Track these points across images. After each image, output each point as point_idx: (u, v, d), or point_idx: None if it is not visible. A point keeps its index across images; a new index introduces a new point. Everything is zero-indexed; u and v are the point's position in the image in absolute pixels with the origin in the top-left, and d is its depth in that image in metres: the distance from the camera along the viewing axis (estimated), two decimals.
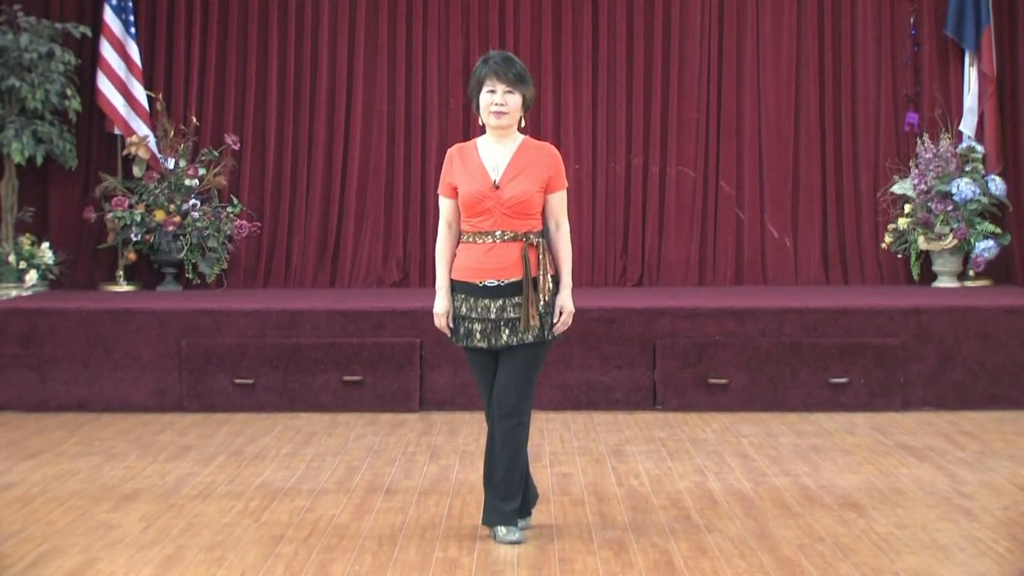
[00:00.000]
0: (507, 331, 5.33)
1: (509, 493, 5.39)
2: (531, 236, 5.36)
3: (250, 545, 5.36)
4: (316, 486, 6.41)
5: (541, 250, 5.37)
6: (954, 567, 5.00)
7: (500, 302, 5.33)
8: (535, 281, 5.33)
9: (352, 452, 7.24)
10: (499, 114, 5.36)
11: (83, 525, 5.70)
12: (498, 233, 5.34)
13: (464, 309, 5.39)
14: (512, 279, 5.33)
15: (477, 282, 5.36)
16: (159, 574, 4.98)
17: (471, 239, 5.39)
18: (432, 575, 4.95)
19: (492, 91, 5.37)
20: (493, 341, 5.35)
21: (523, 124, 5.48)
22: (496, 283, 5.34)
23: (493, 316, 5.33)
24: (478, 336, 5.36)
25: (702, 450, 7.23)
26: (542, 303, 5.34)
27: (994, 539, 5.39)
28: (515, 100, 5.38)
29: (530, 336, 5.33)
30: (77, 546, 5.36)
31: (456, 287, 5.42)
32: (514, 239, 5.34)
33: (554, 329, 5.40)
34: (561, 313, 5.39)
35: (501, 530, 5.37)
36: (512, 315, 5.33)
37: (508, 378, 5.36)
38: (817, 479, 6.49)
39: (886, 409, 8.31)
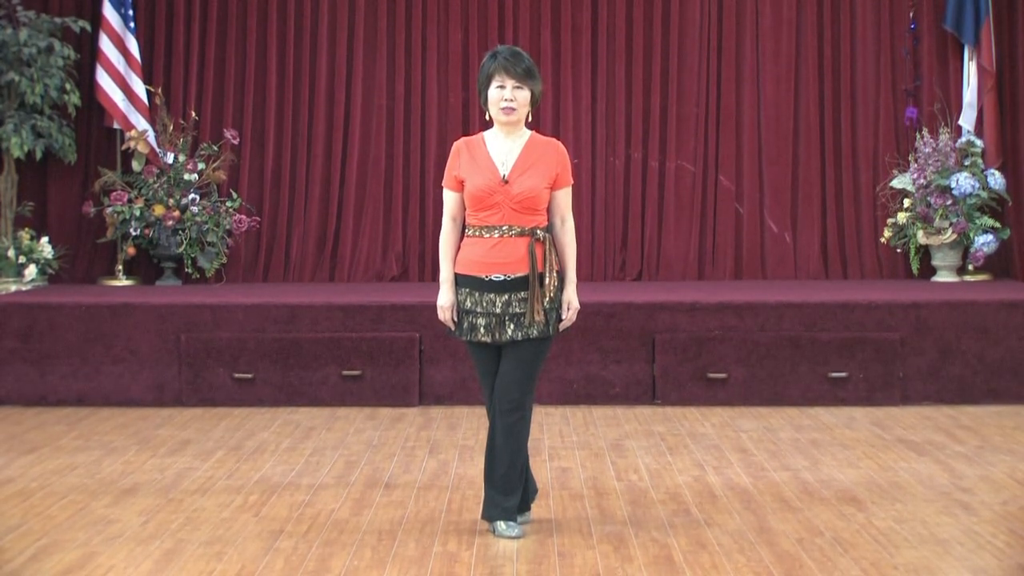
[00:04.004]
0: (512, 326, 5.33)
1: (510, 488, 5.39)
2: (538, 231, 5.36)
3: (249, 539, 5.37)
4: (315, 480, 6.42)
5: (547, 245, 5.37)
6: (953, 561, 5.01)
7: (506, 296, 5.33)
8: (541, 277, 5.33)
9: (351, 446, 7.24)
10: (508, 110, 5.35)
11: (82, 519, 5.70)
12: (505, 228, 5.34)
13: (469, 303, 5.38)
14: (519, 274, 5.33)
15: (483, 276, 5.35)
16: (158, 568, 4.99)
17: (477, 233, 5.38)
18: (431, 569, 4.96)
19: (501, 86, 5.35)
20: (497, 336, 5.35)
21: (530, 119, 5.47)
22: (503, 277, 5.34)
23: (498, 311, 5.33)
24: (482, 331, 5.36)
25: (701, 444, 7.23)
26: (547, 299, 5.34)
27: (993, 533, 5.39)
28: (524, 95, 5.37)
29: (535, 331, 5.33)
30: (76, 540, 5.36)
31: (461, 281, 5.41)
32: (521, 234, 5.34)
33: (560, 325, 5.41)
34: (568, 309, 5.41)
35: (500, 525, 5.37)
36: (517, 310, 5.33)
37: (511, 373, 5.35)
38: (816, 473, 6.49)
39: (885, 403, 8.31)
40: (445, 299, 5.44)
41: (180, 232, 9.85)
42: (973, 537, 5.34)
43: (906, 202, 10.00)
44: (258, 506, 5.92)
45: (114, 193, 9.84)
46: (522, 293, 5.33)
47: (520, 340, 5.34)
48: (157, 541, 5.35)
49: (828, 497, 6.01)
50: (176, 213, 9.78)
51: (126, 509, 5.88)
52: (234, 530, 5.51)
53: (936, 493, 6.08)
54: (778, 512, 5.75)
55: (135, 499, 6.07)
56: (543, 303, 5.33)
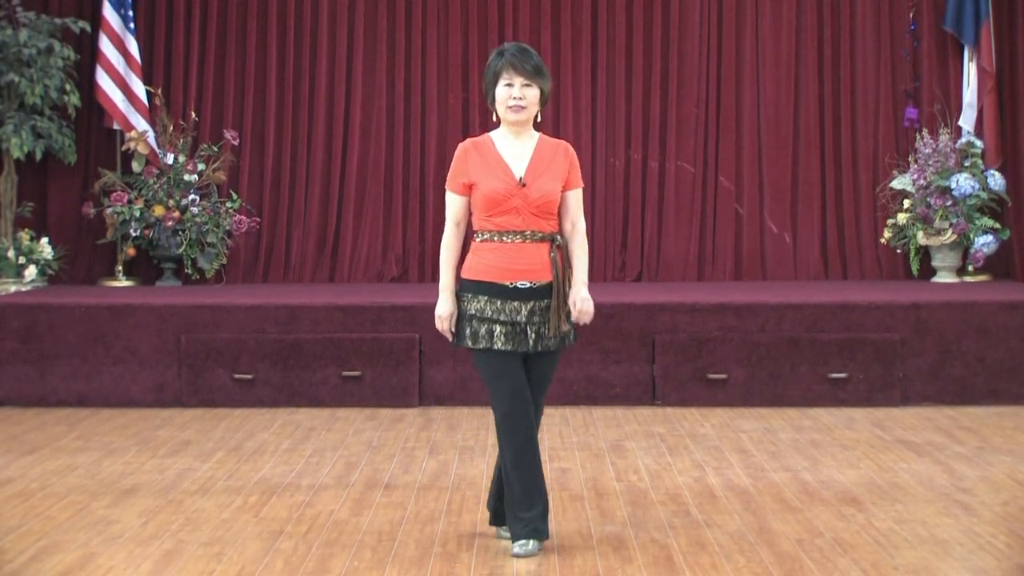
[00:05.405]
0: (534, 336, 5.12)
1: (532, 501, 5.11)
2: (557, 237, 5.20)
3: (249, 540, 5.37)
4: (315, 481, 6.41)
5: (565, 252, 5.24)
6: (953, 562, 5.01)
7: (531, 304, 5.12)
8: (563, 286, 5.17)
9: (351, 447, 7.24)
10: (517, 108, 5.16)
11: (82, 520, 5.70)
12: (528, 233, 5.13)
13: (489, 311, 5.12)
14: (543, 281, 5.15)
15: (508, 283, 5.12)
16: (158, 569, 4.99)
17: (495, 238, 5.14)
18: (431, 570, 4.95)
19: (509, 84, 5.14)
20: (516, 344, 5.10)
21: (539, 119, 5.30)
22: (529, 285, 5.13)
23: (522, 320, 5.11)
24: (503, 339, 5.09)
25: (701, 445, 7.23)
26: (568, 309, 5.18)
27: (993, 534, 5.39)
28: (533, 94, 5.17)
29: (553, 344, 5.16)
30: (76, 541, 5.36)
31: (477, 288, 5.14)
32: (543, 239, 5.16)
33: (574, 318, 5.17)
34: (577, 304, 5.17)
35: (515, 546, 5.11)
36: (539, 319, 5.13)
37: (532, 388, 5.16)
38: (816, 474, 6.49)
39: (885, 404, 8.31)
40: (444, 308, 5.19)
41: (180, 233, 9.85)
42: (973, 538, 5.34)
43: (906, 203, 10.00)
44: (258, 507, 5.92)
45: (114, 194, 9.84)
46: (545, 301, 5.15)
47: (542, 351, 5.16)
48: (157, 542, 5.35)
49: (828, 498, 6.01)
50: (176, 214, 9.78)
51: (126, 510, 5.88)
52: (234, 531, 5.51)
53: (936, 494, 6.08)
54: (778, 513, 5.75)
55: (135, 500, 6.07)
56: (565, 313, 5.17)
